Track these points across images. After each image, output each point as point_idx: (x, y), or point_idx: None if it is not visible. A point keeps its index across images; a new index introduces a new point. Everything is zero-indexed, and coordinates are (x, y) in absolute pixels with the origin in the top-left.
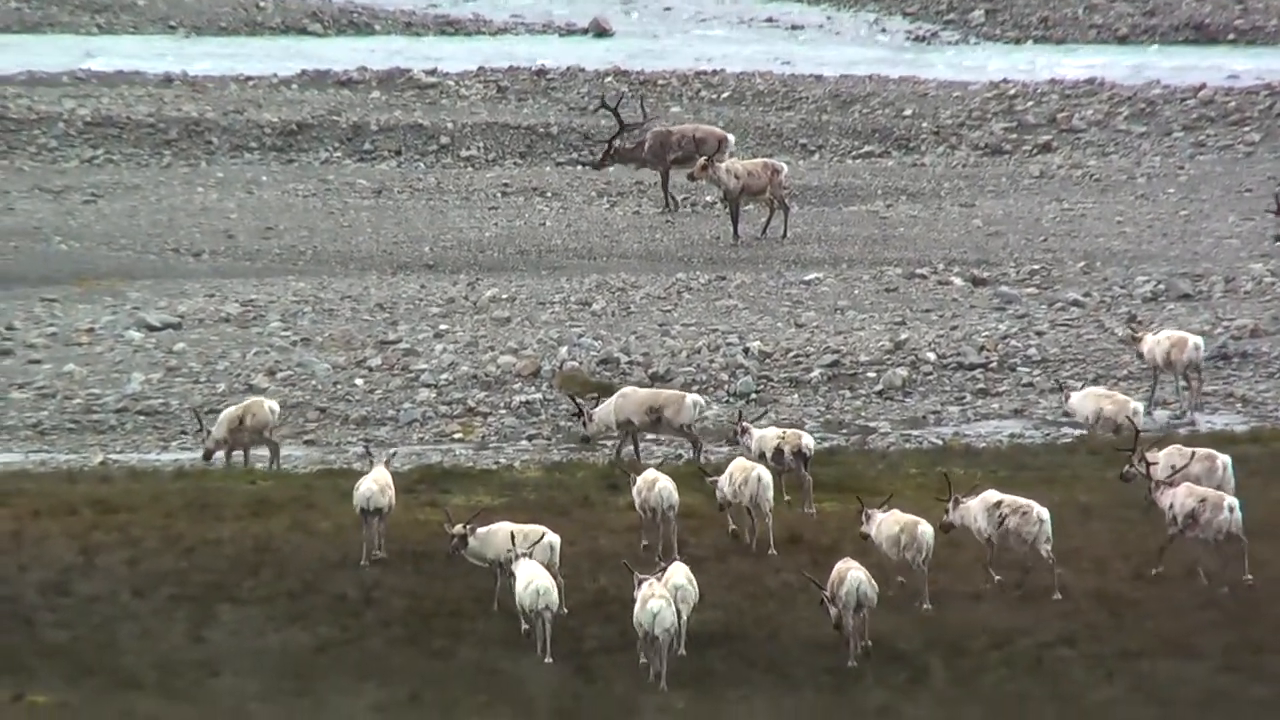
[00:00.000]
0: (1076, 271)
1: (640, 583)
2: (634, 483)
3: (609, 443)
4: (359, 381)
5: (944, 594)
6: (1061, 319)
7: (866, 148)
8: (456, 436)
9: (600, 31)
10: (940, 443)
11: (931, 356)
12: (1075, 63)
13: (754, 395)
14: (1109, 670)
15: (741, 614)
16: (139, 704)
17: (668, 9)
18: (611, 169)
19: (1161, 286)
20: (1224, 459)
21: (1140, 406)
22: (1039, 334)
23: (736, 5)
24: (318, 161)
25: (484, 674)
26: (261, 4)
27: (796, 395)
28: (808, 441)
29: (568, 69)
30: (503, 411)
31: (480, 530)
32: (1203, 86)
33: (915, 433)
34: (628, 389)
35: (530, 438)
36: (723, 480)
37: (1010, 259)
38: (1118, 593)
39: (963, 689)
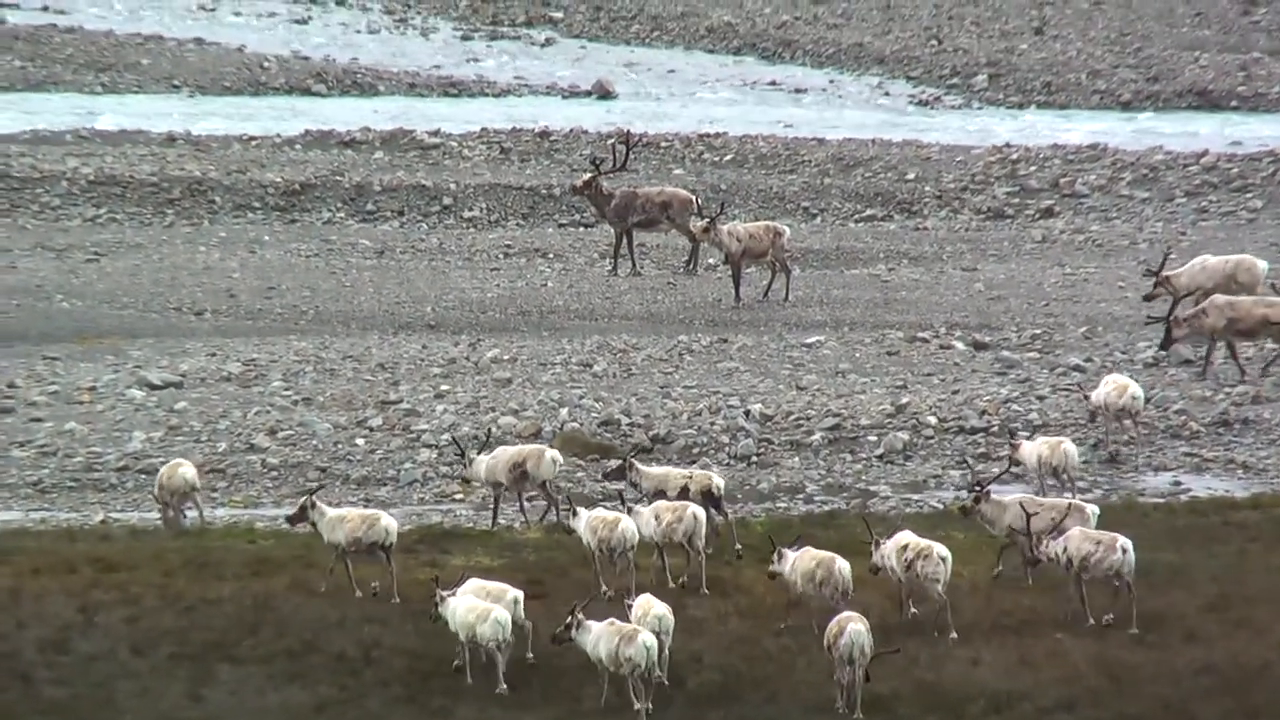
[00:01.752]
0: (1078, 336)
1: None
2: (576, 515)
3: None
4: (360, 441)
5: (943, 657)
6: (1063, 383)
7: (869, 211)
8: (457, 497)
9: (604, 94)
10: (941, 507)
11: (933, 420)
12: (1078, 128)
13: (755, 458)
14: None
15: (739, 676)
16: None
17: (671, 71)
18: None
19: (1163, 352)
20: (1092, 509)
21: (1072, 448)
22: (1040, 398)
23: (740, 68)
24: (320, 221)
25: None
26: (266, 64)
27: (797, 458)
28: (718, 482)
29: (571, 130)
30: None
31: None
32: (1205, 152)
33: (916, 497)
34: (499, 449)
35: (531, 499)
36: (646, 514)
37: (1012, 323)
38: (1116, 658)
39: None
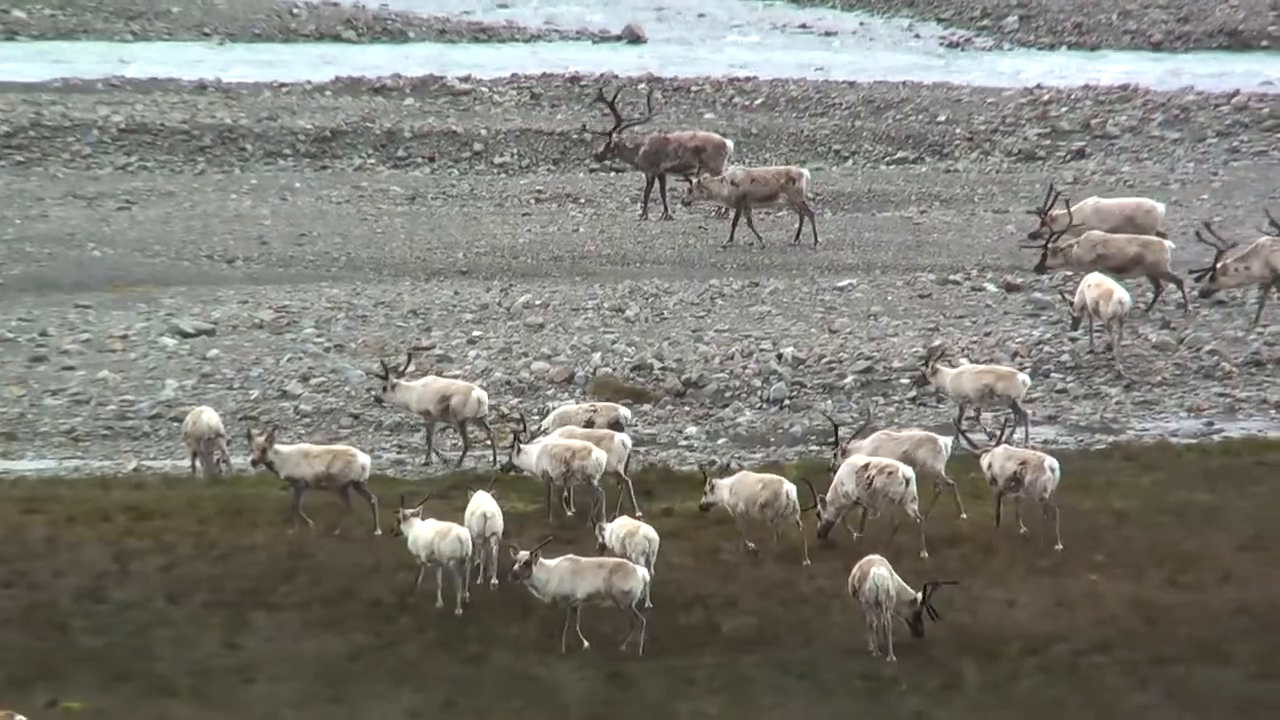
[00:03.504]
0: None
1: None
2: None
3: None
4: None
5: (977, 600)
6: (1095, 325)
7: (900, 154)
8: (489, 443)
9: (634, 38)
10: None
11: (965, 362)
12: (1109, 69)
13: (787, 401)
14: (1142, 676)
15: (775, 620)
16: (173, 710)
17: (701, 15)
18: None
19: (1194, 292)
20: (945, 441)
21: (1025, 378)
22: (1072, 339)
23: (770, 11)
24: (351, 168)
25: (518, 679)
26: (296, 10)
27: (830, 401)
28: (624, 412)
29: (601, 75)
30: (536, 417)
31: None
32: (1236, 93)
33: (948, 438)
34: (429, 378)
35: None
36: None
37: None
38: (1151, 599)
39: (996, 695)
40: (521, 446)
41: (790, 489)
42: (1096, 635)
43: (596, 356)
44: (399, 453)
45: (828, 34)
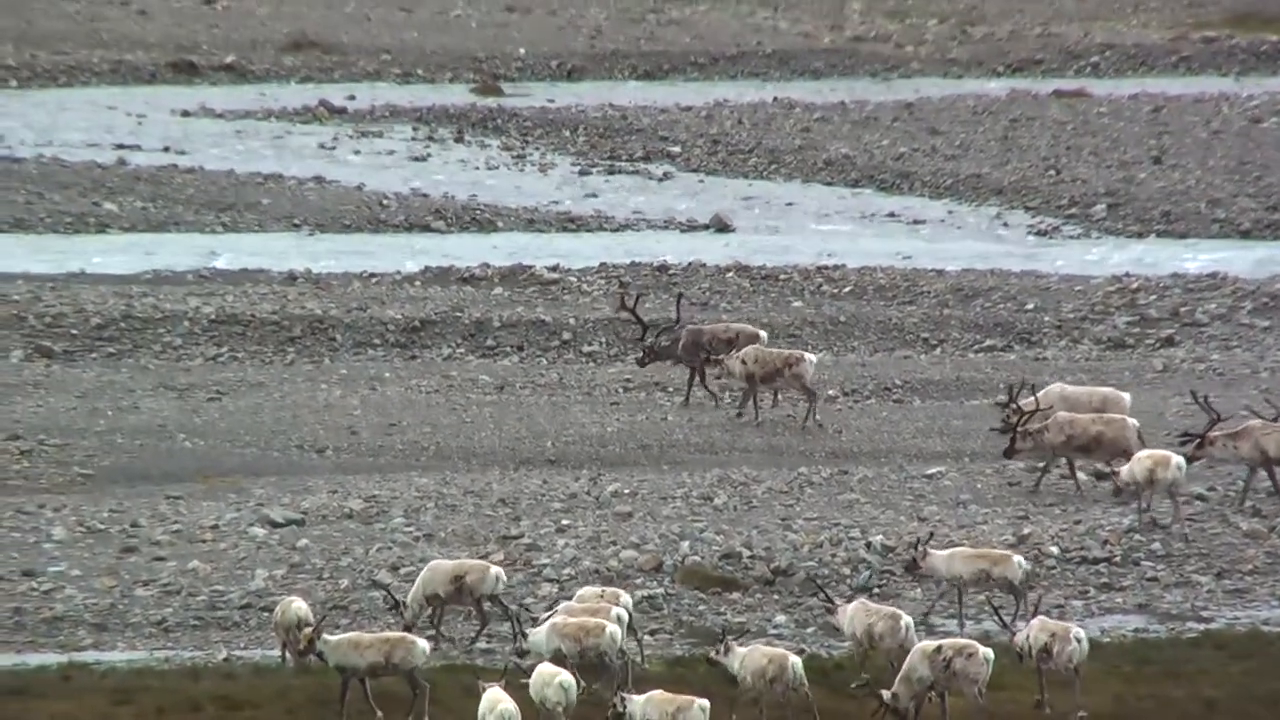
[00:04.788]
0: (1201, 465)
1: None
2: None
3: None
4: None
5: None
6: (1186, 513)
7: (988, 341)
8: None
9: (721, 227)
10: None
11: (1055, 550)
12: (1198, 256)
13: (876, 590)
14: None
15: None
16: None
17: (789, 204)
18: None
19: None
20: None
21: (1021, 560)
22: (1163, 528)
23: (858, 200)
24: (440, 358)
25: None
26: (385, 202)
27: (919, 589)
28: (626, 599)
29: (689, 264)
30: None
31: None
32: None
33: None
34: (434, 562)
35: (653, 632)
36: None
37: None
38: None
39: None
40: (527, 632)
41: (796, 662)
42: None
43: (685, 545)
44: (488, 642)
45: (916, 222)
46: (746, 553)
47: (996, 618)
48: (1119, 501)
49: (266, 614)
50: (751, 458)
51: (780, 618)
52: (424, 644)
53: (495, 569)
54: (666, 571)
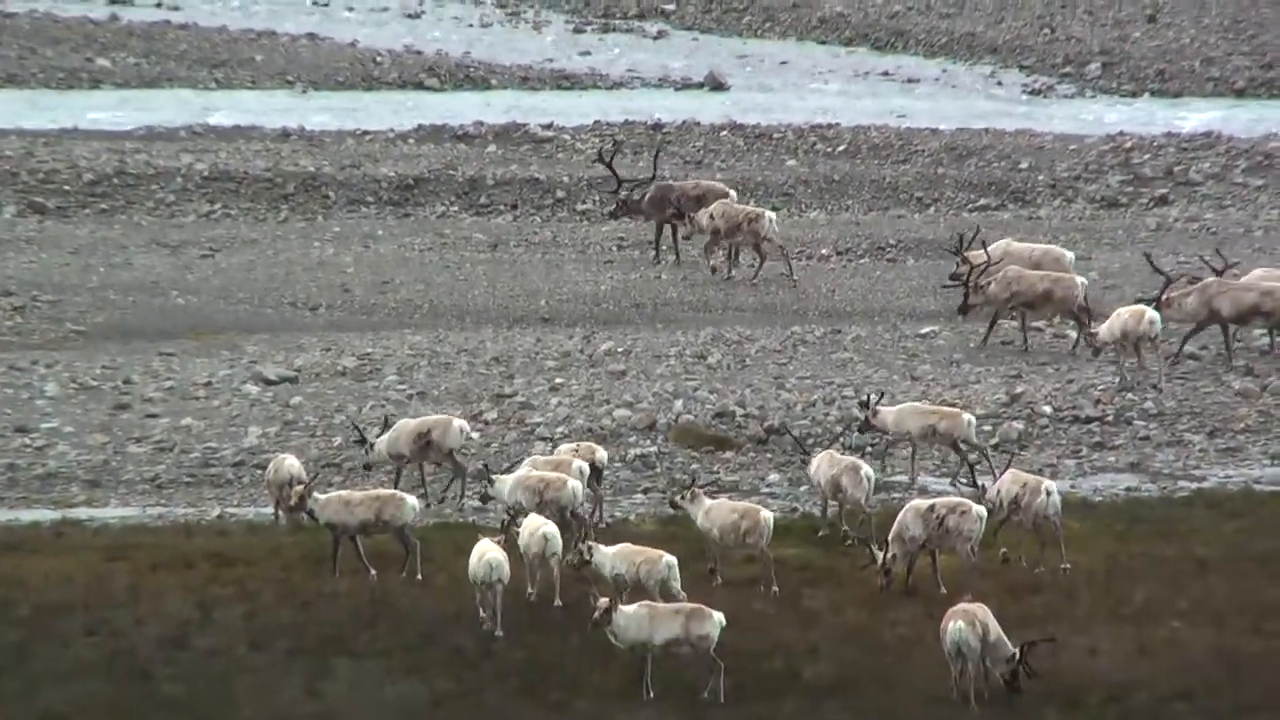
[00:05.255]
0: (1192, 325)
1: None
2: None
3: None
4: (474, 435)
5: (1059, 648)
6: (1178, 372)
7: (982, 200)
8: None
9: (716, 85)
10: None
11: (1048, 410)
12: (1192, 116)
13: (869, 448)
14: None
15: (856, 667)
16: None
17: (784, 63)
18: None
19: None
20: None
21: (970, 418)
22: (1154, 388)
23: (852, 59)
24: (434, 215)
25: None
26: (379, 59)
27: (910, 448)
28: (602, 455)
29: (683, 123)
30: (618, 465)
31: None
32: None
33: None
34: (401, 420)
35: (645, 490)
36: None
37: None
38: (1234, 647)
39: None
40: (494, 479)
41: (767, 516)
42: (1179, 683)
43: (679, 404)
44: (483, 502)
45: (910, 81)
46: (740, 411)
47: (968, 476)
48: (1105, 360)
49: (259, 471)
50: (745, 316)
51: (773, 476)
52: (414, 501)
53: (459, 421)
54: (660, 430)
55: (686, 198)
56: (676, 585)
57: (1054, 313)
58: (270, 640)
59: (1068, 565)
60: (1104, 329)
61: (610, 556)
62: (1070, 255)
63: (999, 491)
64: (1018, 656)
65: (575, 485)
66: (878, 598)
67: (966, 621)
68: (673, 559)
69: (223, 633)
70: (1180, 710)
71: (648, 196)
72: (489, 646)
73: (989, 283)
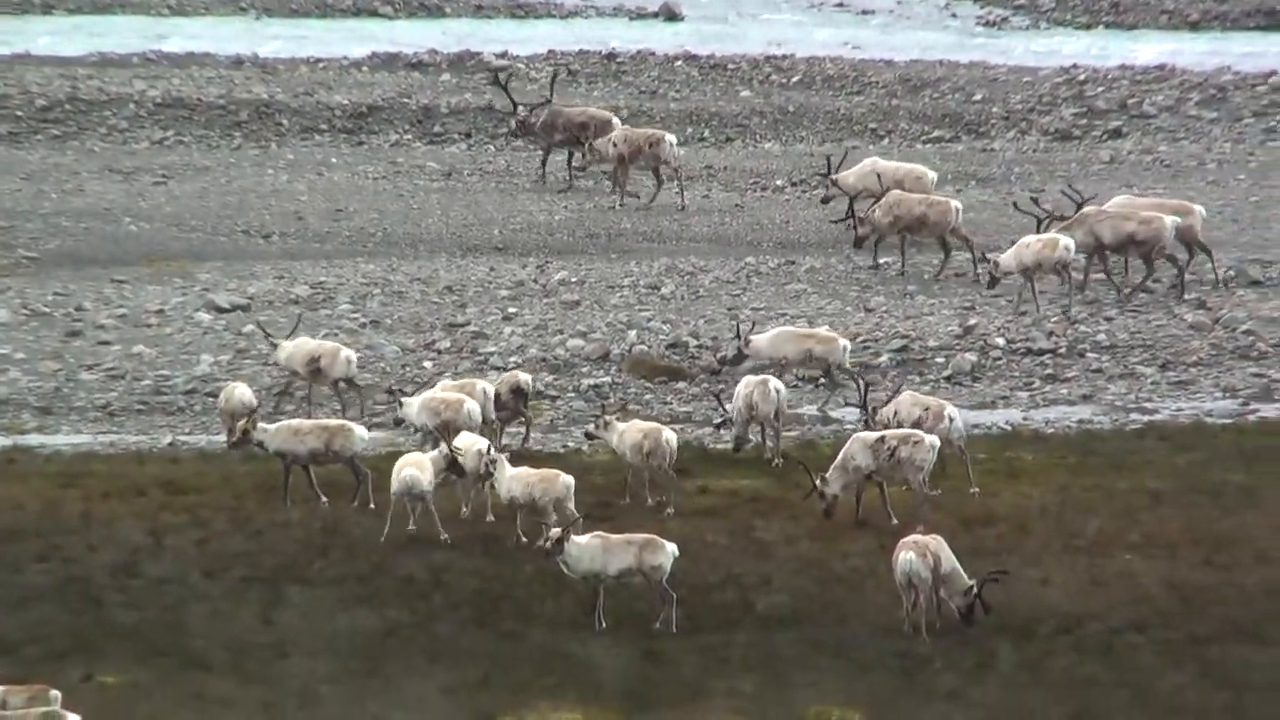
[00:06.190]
0: None
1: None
2: (402, 405)
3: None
4: (428, 364)
5: (1013, 579)
6: (1130, 305)
7: (936, 132)
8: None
9: (670, 15)
10: (1009, 428)
11: (1000, 341)
12: (1146, 48)
13: (822, 379)
14: (1177, 656)
15: (809, 598)
16: (209, 685)
17: None
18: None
19: (1231, 272)
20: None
21: (846, 344)
22: (1108, 319)
23: None
24: (388, 144)
25: (552, 657)
26: None
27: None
28: (524, 378)
29: (638, 52)
30: (571, 395)
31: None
32: (1273, 73)
33: (985, 419)
34: (301, 339)
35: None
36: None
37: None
38: (1186, 579)
39: (1031, 674)
40: (403, 401)
41: (670, 436)
42: (1131, 615)
43: (632, 334)
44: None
45: (864, 12)
46: (693, 342)
47: (859, 397)
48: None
49: (211, 399)
50: (699, 247)
51: (726, 406)
52: (362, 431)
53: (346, 351)
54: (613, 360)
55: (572, 124)
56: (570, 506)
57: (931, 236)
58: (223, 568)
59: (976, 489)
60: (1007, 258)
61: (506, 479)
62: (932, 175)
63: (894, 414)
64: (974, 590)
65: (471, 406)
66: (830, 529)
67: (917, 553)
68: (570, 479)
69: (175, 560)
70: (1133, 641)
71: (541, 121)
72: (441, 576)
73: (873, 209)
